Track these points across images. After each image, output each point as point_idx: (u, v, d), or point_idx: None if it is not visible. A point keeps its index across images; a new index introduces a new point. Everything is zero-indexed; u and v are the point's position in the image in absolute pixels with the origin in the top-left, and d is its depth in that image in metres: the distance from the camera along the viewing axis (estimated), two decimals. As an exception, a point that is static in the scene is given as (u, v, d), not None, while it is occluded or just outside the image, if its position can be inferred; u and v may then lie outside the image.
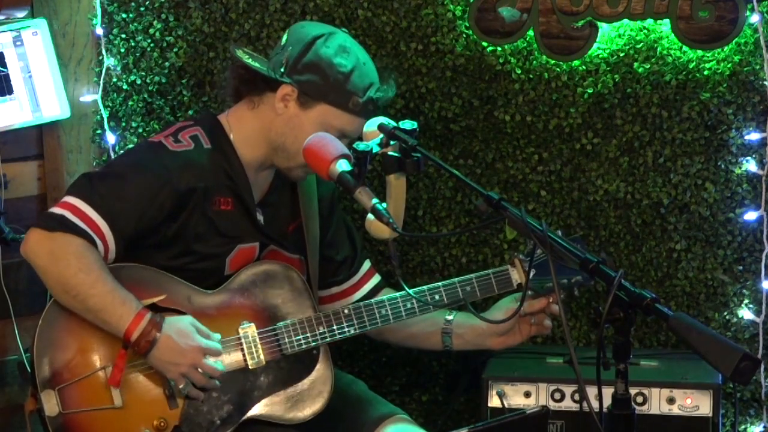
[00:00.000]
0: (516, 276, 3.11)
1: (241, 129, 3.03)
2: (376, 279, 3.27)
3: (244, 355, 2.95)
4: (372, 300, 3.06)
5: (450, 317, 3.17)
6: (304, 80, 2.96)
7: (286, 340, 2.99)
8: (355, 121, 2.93)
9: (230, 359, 2.94)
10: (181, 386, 2.86)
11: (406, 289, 2.74)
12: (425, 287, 3.06)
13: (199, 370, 2.86)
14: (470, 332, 3.15)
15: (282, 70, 2.97)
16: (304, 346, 2.99)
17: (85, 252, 2.82)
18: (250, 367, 2.96)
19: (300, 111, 2.98)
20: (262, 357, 2.97)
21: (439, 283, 3.08)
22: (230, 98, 3.10)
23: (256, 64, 3.01)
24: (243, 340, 2.96)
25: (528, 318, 3.10)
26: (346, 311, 3.03)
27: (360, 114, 2.92)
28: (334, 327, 3.01)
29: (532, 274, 2.99)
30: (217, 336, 2.91)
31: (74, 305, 2.83)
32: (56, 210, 2.85)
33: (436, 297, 3.06)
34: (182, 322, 2.87)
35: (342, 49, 2.98)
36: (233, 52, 3.06)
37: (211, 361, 2.87)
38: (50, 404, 2.83)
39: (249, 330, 2.97)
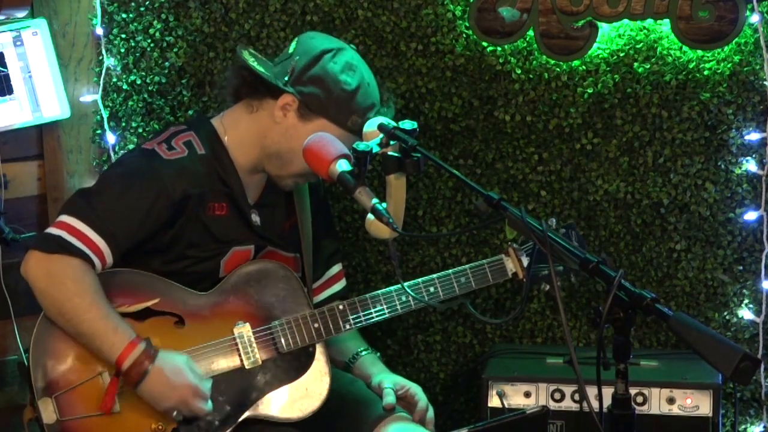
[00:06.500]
0: (510, 265, 3.12)
1: (235, 132, 3.03)
2: (337, 287, 3.26)
3: (240, 355, 2.95)
4: (366, 295, 3.06)
5: (362, 353, 3.18)
6: (307, 92, 2.96)
7: (282, 338, 2.98)
8: (351, 139, 2.91)
9: (226, 360, 2.94)
10: (174, 414, 2.85)
11: (405, 288, 2.77)
12: (420, 280, 3.06)
13: (187, 408, 2.84)
14: (363, 378, 3.16)
15: (286, 78, 2.97)
16: (300, 344, 2.99)
17: (82, 276, 2.81)
18: (246, 367, 2.95)
19: (298, 122, 2.97)
20: (258, 356, 2.96)
21: (434, 276, 3.08)
22: (229, 98, 3.10)
23: (261, 69, 3.00)
24: (238, 340, 2.95)
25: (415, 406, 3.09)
26: (341, 307, 3.02)
27: (357, 133, 2.90)
28: (330, 324, 3.01)
29: (526, 262, 3.05)
30: (209, 384, 2.88)
31: (68, 328, 2.83)
32: (53, 231, 2.84)
33: (431, 289, 3.06)
34: (177, 359, 2.85)
35: (348, 67, 2.98)
36: (239, 53, 3.04)
37: (199, 402, 2.85)
38: (48, 412, 2.82)
39: (244, 330, 2.96)
